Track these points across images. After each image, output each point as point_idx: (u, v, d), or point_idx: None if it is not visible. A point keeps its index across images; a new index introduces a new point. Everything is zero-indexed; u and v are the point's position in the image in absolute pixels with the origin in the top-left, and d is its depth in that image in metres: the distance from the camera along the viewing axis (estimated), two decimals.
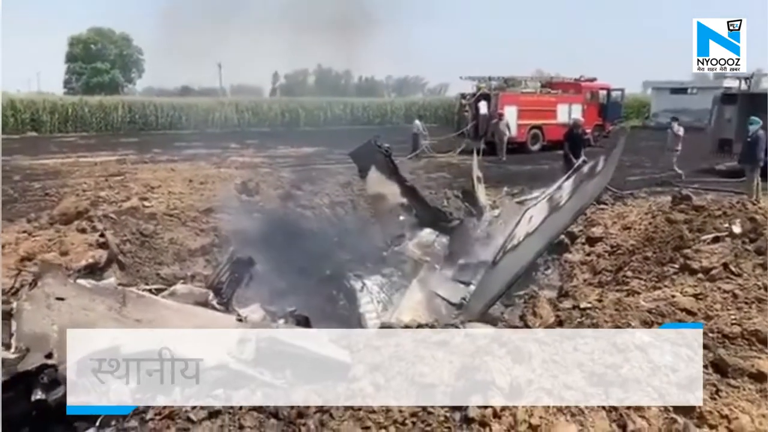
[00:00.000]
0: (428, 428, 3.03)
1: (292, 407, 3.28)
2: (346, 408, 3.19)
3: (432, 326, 4.44)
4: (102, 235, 6.37)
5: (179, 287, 5.29)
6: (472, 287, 6.78)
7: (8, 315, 3.49)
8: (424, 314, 6.38)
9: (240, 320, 4.22)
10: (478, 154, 13.73)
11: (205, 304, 4.91)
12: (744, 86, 18.37)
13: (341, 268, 8.71)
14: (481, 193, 9.85)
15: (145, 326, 3.64)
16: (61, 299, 3.63)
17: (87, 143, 26.48)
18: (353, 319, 7.47)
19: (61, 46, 55.82)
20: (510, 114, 22.61)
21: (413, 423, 3.07)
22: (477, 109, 23.37)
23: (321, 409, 3.21)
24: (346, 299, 8.08)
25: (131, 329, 3.59)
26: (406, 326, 4.52)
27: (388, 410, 3.15)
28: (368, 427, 3.06)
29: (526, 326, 4.03)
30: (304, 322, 5.36)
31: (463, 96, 24.67)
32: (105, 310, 3.69)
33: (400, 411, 3.13)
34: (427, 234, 8.25)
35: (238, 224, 8.59)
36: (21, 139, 28.87)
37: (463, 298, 6.62)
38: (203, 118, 35.12)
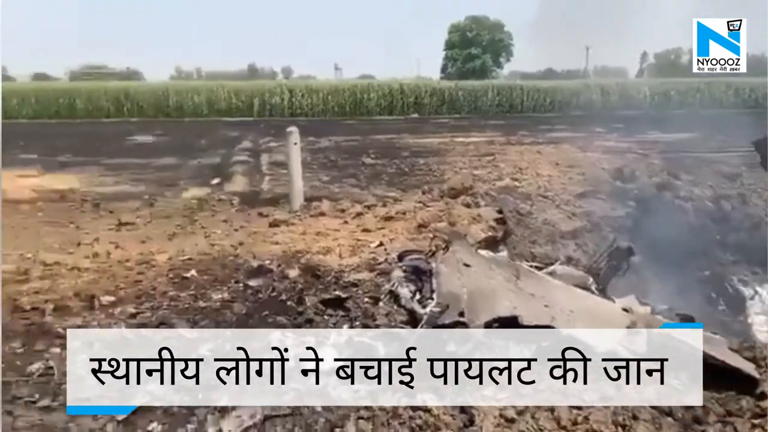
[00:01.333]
0: None
1: (687, 408, 3.13)
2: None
3: None
4: (500, 212, 6.94)
5: (558, 267, 5.40)
6: None
7: (429, 273, 4.12)
8: None
9: (626, 311, 4.14)
10: None
11: (585, 288, 4.94)
12: None
13: (723, 270, 7.89)
14: None
15: (539, 301, 3.87)
16: (468, 266, 4.11)
17: (459, 125, 28.90)
18: (736, 328, 6.71)
19: (440, 34, 61.77)
20: None
21: None
22: None
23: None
24: (726, 304, 7.31)
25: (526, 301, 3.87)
26: None
27: None
28: None
29: None
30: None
31: None
32: (503, 280, 4.04)
33: None
34: None
35: (611, 211, 8.39)
36: (405, 119, 33.25)
37: None
38: (567, 100, 34.86)
